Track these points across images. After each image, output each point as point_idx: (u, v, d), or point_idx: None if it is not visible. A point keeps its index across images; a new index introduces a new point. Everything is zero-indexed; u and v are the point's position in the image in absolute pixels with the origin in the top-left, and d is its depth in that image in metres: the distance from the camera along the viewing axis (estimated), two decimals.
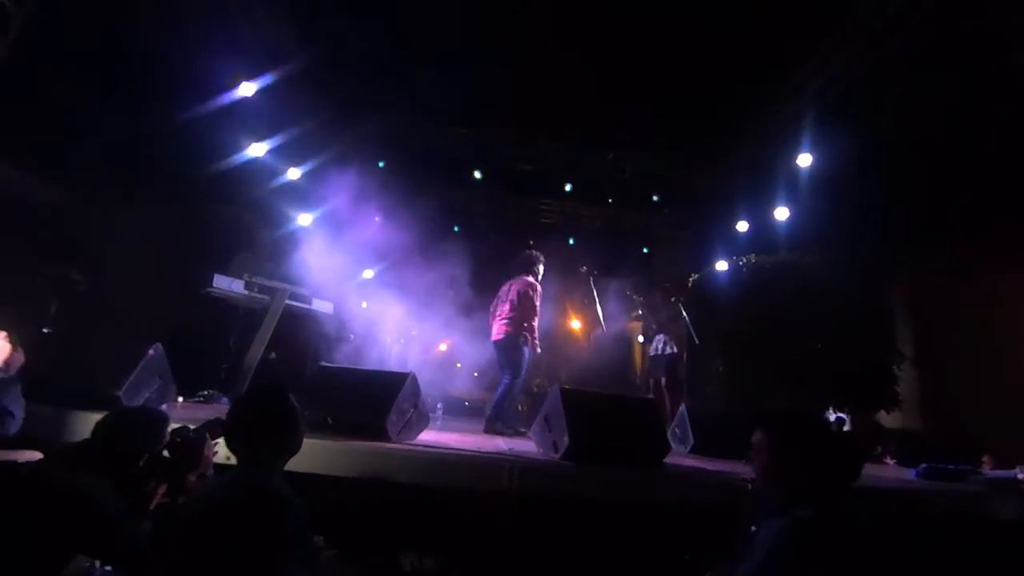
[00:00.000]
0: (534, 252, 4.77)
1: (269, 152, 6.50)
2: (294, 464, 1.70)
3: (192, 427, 1.79)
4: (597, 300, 5.79)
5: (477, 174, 8.78)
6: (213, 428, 1.74)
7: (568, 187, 9.12)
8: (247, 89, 5.86)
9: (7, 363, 2.30)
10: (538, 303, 4.39)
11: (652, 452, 2.78)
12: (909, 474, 3.32)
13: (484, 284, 8.94)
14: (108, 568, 1.54)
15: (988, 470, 3.45)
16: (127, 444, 1.62)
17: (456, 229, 10.50)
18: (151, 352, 2.82)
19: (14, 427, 2.22)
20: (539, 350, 4.52)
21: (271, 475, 1.48)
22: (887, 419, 5.68)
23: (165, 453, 1.70)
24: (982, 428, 4.98)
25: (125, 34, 4.08)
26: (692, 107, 7.35)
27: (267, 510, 1.33)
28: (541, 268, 4.66)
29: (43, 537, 1.37)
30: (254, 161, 6.06)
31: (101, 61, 4.08)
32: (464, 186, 9.58)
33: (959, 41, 4.89)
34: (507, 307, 4.35)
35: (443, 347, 8.11)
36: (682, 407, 4.09)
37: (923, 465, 3.20)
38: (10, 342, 2.33)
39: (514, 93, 7.58)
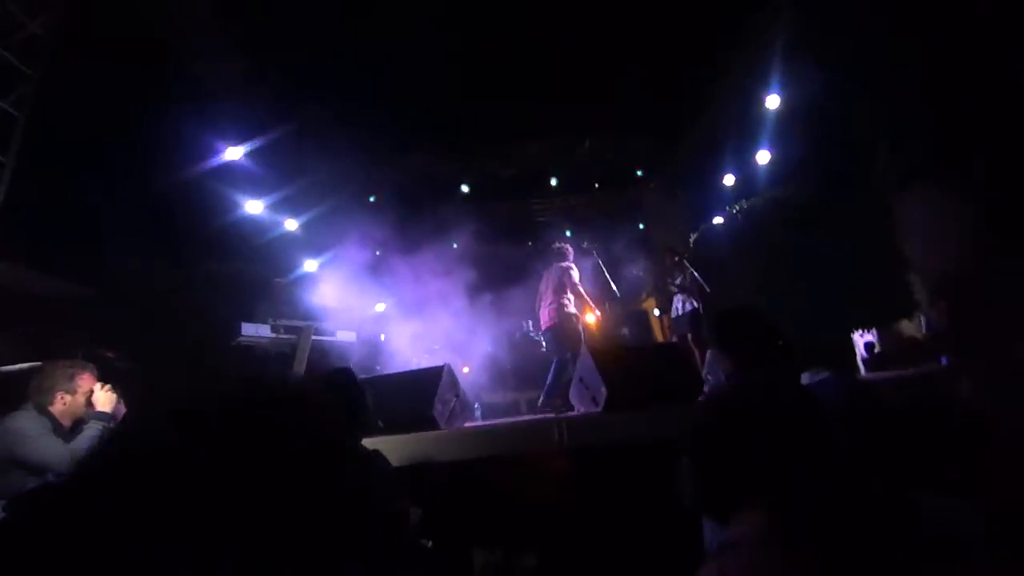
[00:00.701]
0: (563, 244, 5.23)
1: (267, 208, 6.80)
2: None
3: None
4: (605, 270, 5.95)
5: (464, 188, 9.01)
6: None
7: (554, 182, 9.32)
8: (234, 153, 6.17)
9: (115, 413, 2.45)
10: (577, 280, 4.81)
11: (687, 388, 2.90)
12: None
13: (494, 291, 9.15)
14: None
15: None
16: None
17: (455, 246, 10.73)
18: None
19: None
20: (596, 312, 5.06)
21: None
22: (910, 327, 5.74)
23: None
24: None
25: (117, 117, 4.35)
26: (656, 80, 7.57)
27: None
28: (571, 253, 5.15)
29: None
30: (252, 218, 6.35)
31: (101, 151, 4.35)
32: (454, 204, 9.83)
33: None
34: (549, 296, 4.69)
35: (465, 370, 8.27)
36: (710, 352, 4.20)
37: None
38: (115, 392, 2.48)
39: (480, 103, 7.84)
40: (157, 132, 4.89)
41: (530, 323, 8.76)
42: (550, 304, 4.74)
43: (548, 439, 2.49)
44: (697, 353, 5.43)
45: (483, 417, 5.27)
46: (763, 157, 6.99)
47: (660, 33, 6.35)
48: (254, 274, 5.82)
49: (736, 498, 0.96)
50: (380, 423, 2.90)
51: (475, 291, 8.82)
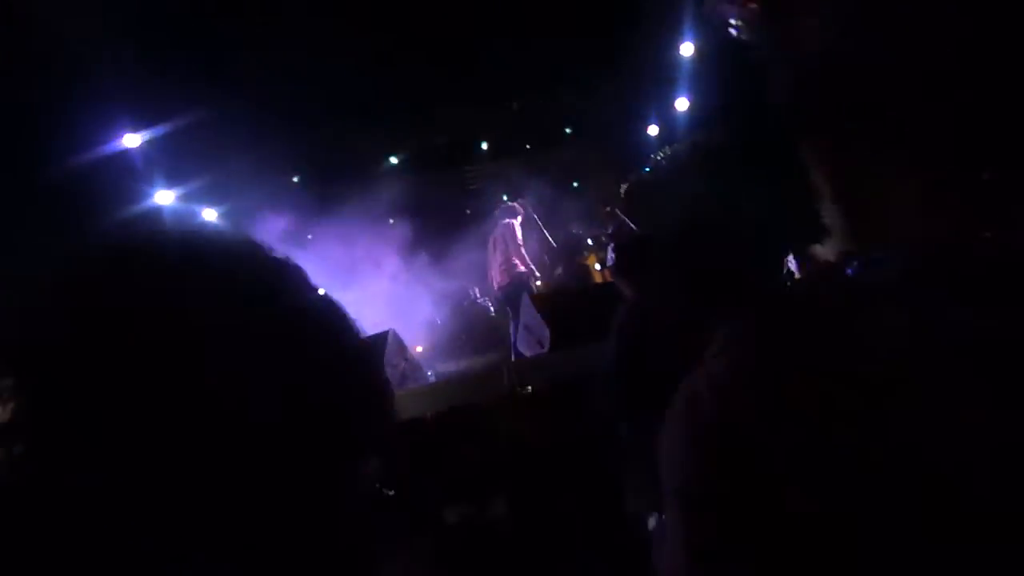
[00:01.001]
0: (513, 203, 5.11)
1: (179, 197, 6.31)
2: None
3: None
4: (539, 223, 6.01)
5: (393, 160, 8.76)
6: None
7: (484, 146, 9.24)
8: (132, 140, 5.65)
9: None
10: (519, 234, 4.79)
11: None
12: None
13: (435, 261, 9.07)
14: None
15: None
16: None
17: (391, 221, 10.46)
18: None
19: None
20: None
21: None
22: (824, 251, 6.29)
23: None
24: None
25: None
26: (575, 37, 7.59)
27: None
28: (522, 211, 5.21)
29: None
30: (162, 209, 5.88)
31: None
32: (383, 177, 9.53)
33: None
34: (499, 256, 4.64)
35: (419, 349, 8.19)
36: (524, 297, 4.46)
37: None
38: None
39: (401, 69, 7.59)
40: (45, 118, 4.39)
41: (476, 289, 8.79)
42: (500, 264, 4.74)
43: (500, 383, 2.56)
44: None
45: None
46: (682, 104, 7.26)
47: None
48: None
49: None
50: None
51: (415, 264, 8.70)
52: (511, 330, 4.63)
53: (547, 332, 2.79)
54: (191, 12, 5.08)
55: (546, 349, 2.85)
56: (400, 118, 8.86)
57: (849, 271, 0.57)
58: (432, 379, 4.99)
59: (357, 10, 6.03)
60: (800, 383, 0.43)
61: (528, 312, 3.05)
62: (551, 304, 2.93)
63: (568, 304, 3.00)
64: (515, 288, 4.67)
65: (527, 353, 3.22)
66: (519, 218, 5.00)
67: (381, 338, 3.01)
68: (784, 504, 0.39)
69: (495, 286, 4.93)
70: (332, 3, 5.72)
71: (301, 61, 6.46)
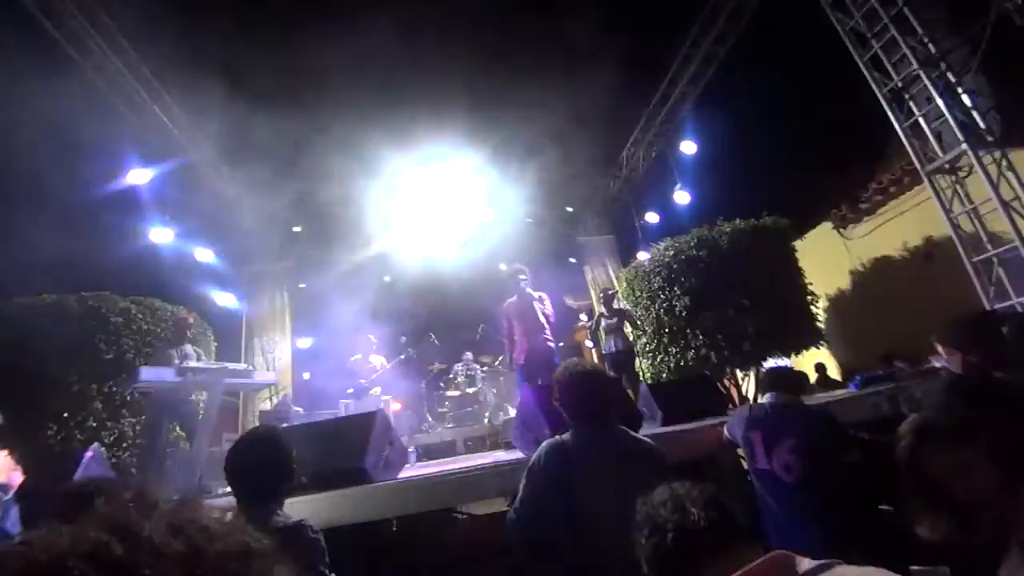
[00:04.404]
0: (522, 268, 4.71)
1: (178, 236, 6.20)
2: None
3: None
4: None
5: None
6: None
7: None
8: (139, 176, 5.61)
9: (9, 482, 2.02)
10: (546, 305, 4.56)
11: (629, 423, 2.88)
12: (850, 387, 3.68)
13: (427, 326, 8.90)
14: None
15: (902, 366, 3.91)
16: None
17: (387, 279, 10.39)
18: (89, 454, 2.56)
19: None
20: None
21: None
22: (818, 354, 6.27)
23: None
24: (888, 343, 5.73)
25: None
26: (586, 118, 7.94)
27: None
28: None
29: None
30: (157, 247, 5.74)
31: None
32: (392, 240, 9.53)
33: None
34: (523, 326, 4.42)
35: (396, 407, 7.85)
36: (643, 385, 4.26)
37: (858, 376, 3.58)
38: (14, 460, 2.07)
39: (416, 123, 7.70)
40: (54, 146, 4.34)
41: (469, 355, 8.58)
42: (535, 334, 4.41)
43: (492, 488, 2.35)
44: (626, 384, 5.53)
45: (419, 459, 4.96)
46: (682, 197, 7.50)
47: (597, 73, 6.61)
48: (157, 309, 5.19)
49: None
50: (304, 479, 2.61)
51: (407, 327, 8.54)
52: (517, 401, 4.32)
53: (547, 432, 2.61)
54: None
55: None
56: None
57: None
58: (414, 456, 4.69)
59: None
60: None
61: (527, 405, 2.88)
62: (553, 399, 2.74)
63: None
64: (539, 358, 4.36)
65: (523, 451, 3.01)
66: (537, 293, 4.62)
67: (368, 420, 2.81)
68: None
69: (519, 358, 4.51)
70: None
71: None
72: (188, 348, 4.49)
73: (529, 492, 1.73)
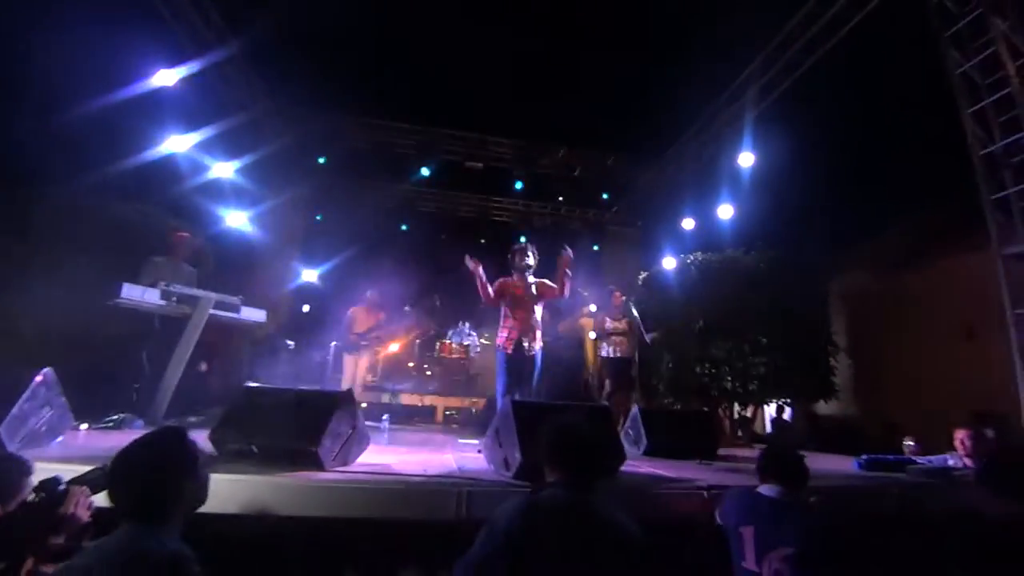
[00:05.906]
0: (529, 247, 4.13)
1: (195, 147, 5.97)
2: (211, 505, 1.47)
3: (69, 477, 1.50)
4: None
5: (424, 171, 8.48)
6: (93, 480, 1.45)
7: (519, 185, 9.00)
8: (166, 78, 5.34)
9: None
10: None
11: (608, 463, 2.68)
12: (852, 465, 3.41)
13: (433, 281, 8.74)
14: None
15: (912, 454, 3.60)
16: None
17: (404, 228, 10.18)
18: (38, 379, 2.42)
19: None
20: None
21: (162, 535, 1.22)
22: (825, 407, 5.96)
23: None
24: (907, 413, 5.34)
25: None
26: (640, 106, 7.44)
27: None
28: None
29: None
30: (173, 157, 5.52)
31: None
32: (412, 184, 9.28)
33: (888, 48, 5.13)
34: (537, 310, 3.94)
35: (394, 347, 7.72)
36: (635, 408, 4.04)
37: (864, 457, 3.31)
38: None
39: (461, 89, 7.40)
40: (68, 49, 4.08)
41: (467, 325, 8.44)
42: (527, 332, 3.88)
43: (446, 509, 2.17)
44: (618, 397, 5.31)
45: (392, 422, 4.83)
46: (725, 212, 7.01)
47: (661, 63, 6.17)
48: (161, 221, 5.03)
49: None
50: (254, 448, 2.47)
51: (417, 279, 8.37)
52: (498, 389, 3.98)
53: (517, 455, 2.41)
54: None
55: (511, 475, 2.46)
56: (444, 132, 8.66)
57: None
58: (386, 422, 4.57)
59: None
60: None
61: (504, 418, 2.66)
62: (532, 421, 2.50)
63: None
64: (524, 367, 3.87)
65: (488, 463, 2.83)
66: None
67: (331, 400, 2.63)
68: None
69: (506, 344, 3.92)
70: None
71: (364, 34, 6.25)
72: (185, 267, 4.36)
73: (485, 552, 1.53)
